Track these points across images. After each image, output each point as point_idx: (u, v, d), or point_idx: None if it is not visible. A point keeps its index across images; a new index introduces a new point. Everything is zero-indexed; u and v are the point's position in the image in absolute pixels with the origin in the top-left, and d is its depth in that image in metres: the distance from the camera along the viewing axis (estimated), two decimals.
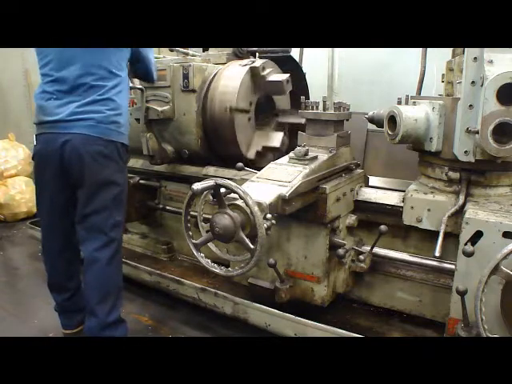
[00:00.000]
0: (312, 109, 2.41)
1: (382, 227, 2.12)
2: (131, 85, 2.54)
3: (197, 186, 1.63)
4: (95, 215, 1.94)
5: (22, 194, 4.37)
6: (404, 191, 2.30)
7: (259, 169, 2.27)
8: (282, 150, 2.94)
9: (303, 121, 2.48)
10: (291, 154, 2.23)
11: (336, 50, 4.65)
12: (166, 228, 3.40)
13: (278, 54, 3.18)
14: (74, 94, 1.88)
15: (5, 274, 3.28)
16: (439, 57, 3.26)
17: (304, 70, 3.43)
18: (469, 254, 1.74)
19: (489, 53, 1.81)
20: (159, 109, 2.84)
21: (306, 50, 4.03)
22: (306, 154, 2.18)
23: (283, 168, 2.16)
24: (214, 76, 2.91)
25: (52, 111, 1.88)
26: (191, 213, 1.87)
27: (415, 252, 2.39)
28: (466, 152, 1.97)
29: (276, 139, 2.88)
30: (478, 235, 1.83)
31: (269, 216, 1.72)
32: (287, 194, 1.89)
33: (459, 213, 2.03)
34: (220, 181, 1.67)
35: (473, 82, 1.88)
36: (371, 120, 2.57)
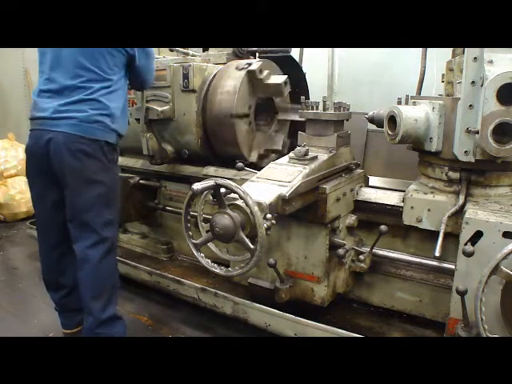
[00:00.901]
0: (312, 109, 2.41)
1: (382, 227, 2.12)
2: None
3: (197, 186, 1.63)
4: (84, 214, 1.96)
5: (21, 193, 4.36)
6: (404, 191, 2.30)
7: (259, 169, 2.27)
8: (284, 152, 2.95)
9: (303, 118, 2.48)
10: (291, 154, 2.23)
11: (336, 50, 4.65)
12: (166, 228, 3.40)
13: (278, 54, 3.18)
14: (62, 93, 1.93)
15: (5, 274, 3.28)
16: (439, 57, 3.27)
17: (304, 70, 3.43)
18: (469, 254, 1.74)
19: (489, 53, 1.81)
20: (159, 109, 2.85)
21: (305, 49, 4.03)
22: (306, 154, 2.18)
23: (283, 168, 2.16)
24: (214, 76, 2.91)
25: (41, 107, 1.95)
26: (191, 213, 1.87)
27: (415, 252, 2.39)
28: (465, 152, 1.97)
29: (278, 142, 2.89)
30: (478, 235, 1.83)
31: (269, 216, 1.72)
32: (287, 194, 1.89)
33: (459, 213, 2.03)
34: (220, 181, 1.67)
35: (473, 82, 1.88)
36: (371, 120, 2.57)
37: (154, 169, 3.21)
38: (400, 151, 2.67)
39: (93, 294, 2.00)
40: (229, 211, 1.65)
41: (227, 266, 1.92)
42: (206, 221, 1.92)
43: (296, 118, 2.88)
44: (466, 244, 1.83)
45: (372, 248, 2.31)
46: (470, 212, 1.90)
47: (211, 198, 1.77)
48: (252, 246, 1.65)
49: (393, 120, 2.10)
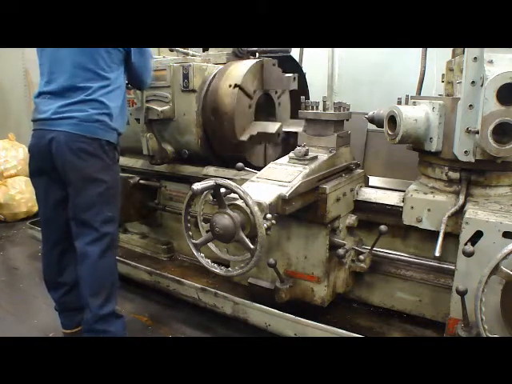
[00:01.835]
0: (312, 109, 2.41)
1: (382, 227, 2.12)
2: None
3: (197, 185, 1.63)
4: (84, 211, 2.00)
5: (21, 193, 4.36)
6: (404, 191, 2.30)
7: (258, 168, 2.27)
8: (277, 140, 2.96)
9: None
10: (291, 154, 2.23)
11: (336, 50, 4.65)
12: (166, 228, 3.40)
13: (278, 54, 3.18)
14: (61, 95, 1.96)
15: (5, 274, 3.28)
16: (439, 57, 3.27)
17: (304, 70, 3.43)
18: (469, 254, 1.74)
19: (489, 53, 1.81)
20: (159, 109, 2.85)
21: (306, 49, 4.03)
22: (306, 154, 2.18)
23: (283, 168, 2.16)
24: (214, 76, 2.91)
25: (42, 109, 1.98)
26: (191, 213, 1.87)
27: (415, 252, 2.39)
28: (465, 152, 1.97)
29: (272, 126, 2.88)
30: (478, 235, 1.83)
31: (269, 216, 1.72)
32: (287, 194, 1.89)
33: (459, 213, 2.03)
34: (220, 181, 1.67)
35: (473, 82, 1.88)
36: (371, 120, 2.57)
37: (154, 169, 3.21)
38: (400, 151, 2.67)
39: (92, 291, 2.03)
40: (229, 211, 1.65)
41: (227, 266, 1.92)
42: (205, 221, 1.92)
43: (294, 129, 2.90)
44: (466, 244, 1.83)
45: (372, 248, 2.31)
46: (470, 212, 1.89)
47: (211, 197, 1.77)
48: (252, 246, 1.65)
49: (393, 120, 2.10)
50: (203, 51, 3.31)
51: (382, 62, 4.47)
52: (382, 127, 2.27)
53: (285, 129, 2.92)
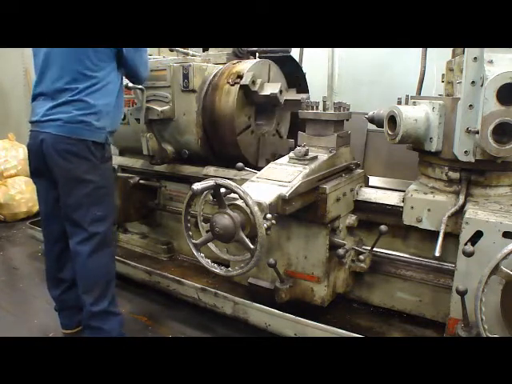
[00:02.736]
0: (312, 109, 2.41)
1: (382, 227, 2.12)
2: (131, 84, 2.53)
3: (197, 185, 1.63)
4: (73, 211, 2.03)
5: (21, 193, 4.36)
6: (404, 191, 2.30)
7: (259, 169, 2.27)
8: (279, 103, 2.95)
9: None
10: (291, 154, 2.23)
11: (336, 49, 4.65)
12: (166, 228, 3.39)
13: (278, 53, 3.18)
14: (51, 96, 1.99)
15: (5, 274, 3.28)
16: (439, 57, 3.26)
17: (304, 70, 3.43)
18: (469, 254, 1.74)
19: (489, 53, 1.81)
20: (159, 109, 2.85)
21: (305, 49, 4.03)
22: (306, 154, 2.18)
23: (283, 168, 2.16)
24: (214, 76, 2.91)
25: (35, 111, 2.03)
26: (191, 213, 1.87)
27: (415, 252, 2.39)
28: (466, 152, 1.97)
29: (283, 146, 2.89)
30: (478, 235, 1.83)
31: (269, 216, 1.72)
32: (287, 194, 1.89)
33: (459, 213, 2.03)
34: (220, 181, 1.67)
35: (473, 82, 1.88)
36: (371, 120, 2.57)
37: (154, 169, 3.21)
38: (400, 151, 2.67)
39: (84, 288, 2.08)
40: (229, 211, 1.65)
41: (227, 266, 1.93)
42: (205, 221, 1.92)
43: (293, 97, 2.90)
44: (466, 244, 1.83)
45: (372, 248, 2.31)
46: (470, 212, 1.90)
47: (211, 197, 1.77)
48: (252, 246, 1.65)
49: (393, 120, 2.10)
50: (203, 51, 3.31)
51: (382, 62, 4.47)
52: (382, 127, 2.27)
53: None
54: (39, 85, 2.03)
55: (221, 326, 2.48)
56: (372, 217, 2.47)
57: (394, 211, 2.33)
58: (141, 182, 3.26)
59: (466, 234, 1.86)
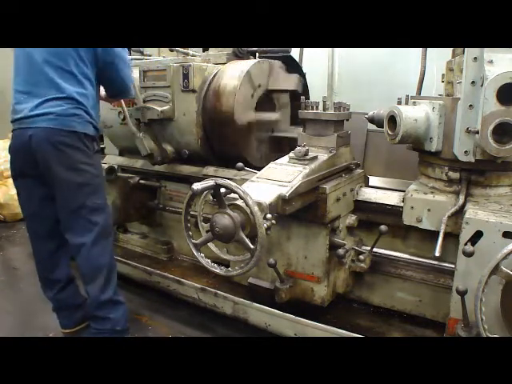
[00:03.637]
0: (312, 109, 2.41)
1: (382, 227, 2.12)
2: None
3: (197, 185, 1.63)
4: (72, 201, 2.03)
5: None
6: (404, 191, 2.30)
7: (259, 169, 2.27)
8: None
9: (297, 135, 2.49)
10: (291, 154, 2.23)
11: (336, 49, 4.64)
12: (166, 228, 3.39)
13: (278, 54, 3.18)
14: (35, 94, 1.97)
15: (5, 274, 3.28)
16: (439, 57, 3.26)
17: (304, 70, 3.43)
18: (469, 254, 1.74)
19: (489, 53, 1.80)
20: (159, 109, 2.84)
21: (305, 49, 4.03)
22: (306, 154, 2.18)
23: (283, 168, 2.16)
24: (214, 76, 2.91)
25: (17, 109, 2.01)
26: (191, 213, 1.87)
27: (415, 252, 2.39)
28: (466, 152, 1.97)
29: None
30: (478, 235, 1.83)
31: (269, 216, 1.72)
32: (287, 194, 1.89)
33: (459, 213, 2.03)
34: (220, 181, 1.67)
35: (473, 82, 1.88)
36: (371, 120, 2.57)
37: (154, 169, 3.21)
38: (400, 151, 2.67)
39: (88, 278, 2.10)
40: (229, 211, 1.65)
41: (227, 266, 1.92)
42: (205, 221, 1.92)
43: (291, 135, 2.91)
44: (466, 244, 1.83)
45: (372, 248, 2.31)
46: (470, 212, 1.89)
47: (211, 197, 1.77)
48: (252, 246, 1.65)
49: (393, 120, 2.10)
50: (203, 51, 3.31)
51: (382, 61, 4.46)
52: (382, 127, 2.27)
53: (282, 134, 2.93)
54: (20, 83, 2.02)
55: (221, 326, 2.48)
56: (372, 217, 2.47)
57: (394, 211, 2.33)
58: (141, 181, 3.26)
59: (466, 234, 1.86)
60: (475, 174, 2.09)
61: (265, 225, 1.64)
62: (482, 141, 1.77)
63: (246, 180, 2.13)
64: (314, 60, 4.35)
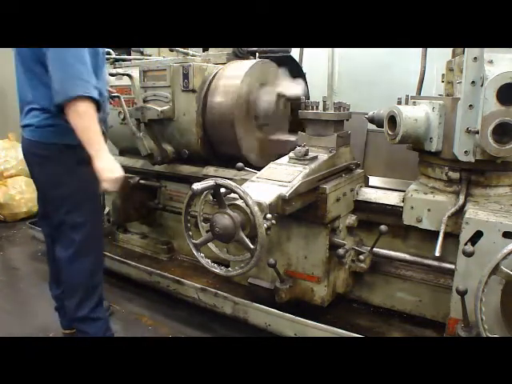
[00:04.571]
0: (312, 109, 2.41)
1: (382, 227, 2.12)
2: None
3: (197, 185, 1.63)
4: (53, 215, 2.00)
5: (21, 194, 4.36)
6: (404, 191, 2.30)
7: (259, 169, 2.27)
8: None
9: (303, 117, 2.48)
10: (291, 154, 2.23)
11: (336, 49, 4.64)
12: (166, 228, 3.40)
13: (278, 54, 3.19)
14: (24, 102, 1.98)
15: (5, 274, 3.28)
16: (439, 57, 3.26)
17: (304, 70, 3.43)
18: (469, 254, 1.74)
19: (489, 53, 1.81)
20: (159, 109, 2.84)
21: (305, 49, 4.03)
22: (306, 154, 2.18)
23: (283, 168, 2.16)
24: (214, 76, 2.91)
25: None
26: (191, 213, 1.87)
27: (415, 252, 2.39)
28: (466, 152, 1.97)
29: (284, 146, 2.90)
30: (478, 235, 1.83)
31: (269, 216, 1.72)
32: (287, 194, 1.89)
33: (459, 213, 2.03)
34: (220, 181, 1.67)
35: (473, 82, 1.88)
36: (371, 120, 2.57)
37: (154, 169, 3.21)
38: (400, 151, 2.67)
39: (66, 291, 2.07)
40: (229, 211, 1.65)
41: (227, 266, 1.92)
42: (206, 221, 1.92)
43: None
44: (466, 244, 1.83)
45: (372, 248, 2.31)
46: (470, 212, 1.89)
47: (211, 197, 1.77)
48: (252, 246, 1.65)
49: (393, 120, 2.10)
50: (203, 51, 3.31)
51: (382, 61, 4.46)
52: (382, 127, 2.27)
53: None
54: (18, 90, 2.03)
55: (221, 326, 2.48)
56: (372, 217, 2.47)
57: (394, 211, 2.33)
58: (141, 181, 3.26)
59: (466, 234, 1.86)
60: (475, 174, 2.09)
61: (265, 225, 1.64)
62: (482, 141, 1.77)
63: (246, 180, 2.13)
64: (314, 60, 4.35)
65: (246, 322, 2.33)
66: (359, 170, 2.57)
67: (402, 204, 2.27)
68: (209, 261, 1.85)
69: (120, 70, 3.13)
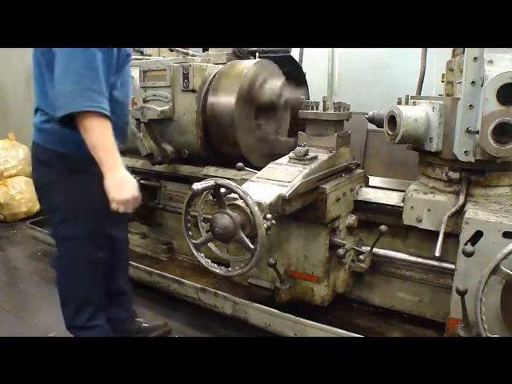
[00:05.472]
0: (312, 109, 2.41)
1: (382, 227, 2.12)
2: None
3: (197, 185, 1.63)
4: (50, 224, 1.93)
5: (21, 194, 4.36)
6: (404, 191, 2.30)
7: (259, 169, 2.27)
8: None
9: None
10: (291, 154, 2.23)
11: (336, 49, 4.64)
12: (166, 228, 3.40)
13: (278, 54, 3.19)
14: (35, 102, 1.84)
15: (5, 274, 3.28)
16: (439, 57, 3.26)
17: (304, 70, 3.43)
18: (469, 254, 1.74)
19: (489, 53, 1.81)
20: (159, 109, 2.85)
21: (305, 49, 4.03)
22: (306, 153, 2.18)
23: (283, 168, 2.16)
24: (214, 76, 2.91)
25: None
26: (191, 213, 1.87)
27: (415, 252, 2.39)
28: (466, 152, 1.97)
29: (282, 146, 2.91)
30: (478, 235, 1.83)
31: (269, 216, 1.72)
32: (287, 194, 1.89)
33: (459, 213, 2.04)
34: (220, 181, 1.67)
35: (473, 82, 1.88)
36: (371, 120, 2.57)
37: (154, 169, 3.21)
38: (400, 151, 2.68)
39: (60, 300, 1.97)
40: (229, 211, 1.65)
41: (227, 266, 1.92)
42: (206, 221, 1.92)
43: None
44: (466, 244, 1.83)
45: (372, 248, 2.31)
46: (470, 212, 1.90)
47: (211, 197, 1.77)
48: (252, 246, 1.65)
49: (393, 120, 2.10)
50: (203, 51, 3.31)
51: (382, 61, 4.47)
52: (382, 127, 2.27)
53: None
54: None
55: (221, 326, 2.48)
56: (372, 217, 2.47)
57: (394, 211, 2.33)
58: (141, 181, 3.25)
59: (466, 233, 1.86)
60: (475, 174, 2.09)
61: (265, 225, 1.64)
62: (482, 141, 1.77)
63: (246, 180, 2.13)
64: (314, 60, 4.35)
65: (246, 321, 2.33)
66: (359, 170, 2.57)
67: (402, 204, 2.27)
68: (209, 261, 1.84)
69: None
